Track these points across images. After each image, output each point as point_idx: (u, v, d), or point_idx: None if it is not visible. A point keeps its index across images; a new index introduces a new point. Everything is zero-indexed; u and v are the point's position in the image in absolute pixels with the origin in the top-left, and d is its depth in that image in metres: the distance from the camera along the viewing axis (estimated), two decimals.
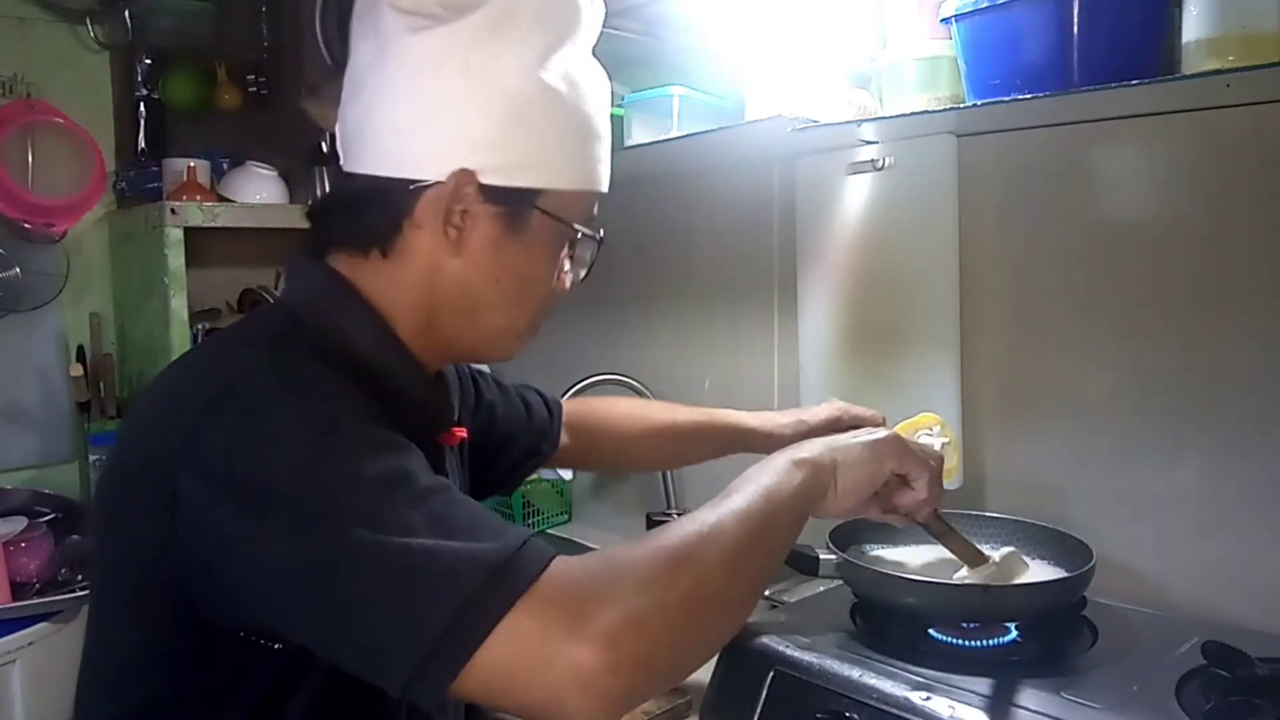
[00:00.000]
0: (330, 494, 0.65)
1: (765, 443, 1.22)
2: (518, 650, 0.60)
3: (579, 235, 0.86)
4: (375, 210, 0.82)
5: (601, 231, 0.89)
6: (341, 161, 0.85)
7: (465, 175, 0.78)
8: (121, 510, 0.75)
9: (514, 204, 0.81)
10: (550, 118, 0.80)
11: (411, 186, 0.79)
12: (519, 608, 0.60)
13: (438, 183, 0.79)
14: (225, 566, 0.67)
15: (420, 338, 0.85)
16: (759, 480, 0.77)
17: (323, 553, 0.63)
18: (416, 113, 0.79)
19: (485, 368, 1.54)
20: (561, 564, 0.64)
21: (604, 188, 0.87)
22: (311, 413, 0.69)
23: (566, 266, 0.89)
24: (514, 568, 0.62)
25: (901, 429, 1.17)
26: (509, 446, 1.17)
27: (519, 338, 0.89)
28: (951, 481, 1.33)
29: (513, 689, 0.61)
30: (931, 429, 1.16)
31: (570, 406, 1.29)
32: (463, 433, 0.97)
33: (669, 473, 1.77)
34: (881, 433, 0.93)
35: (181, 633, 0.72)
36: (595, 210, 0.88)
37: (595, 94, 0.85)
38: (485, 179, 0.79)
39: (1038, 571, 1.16)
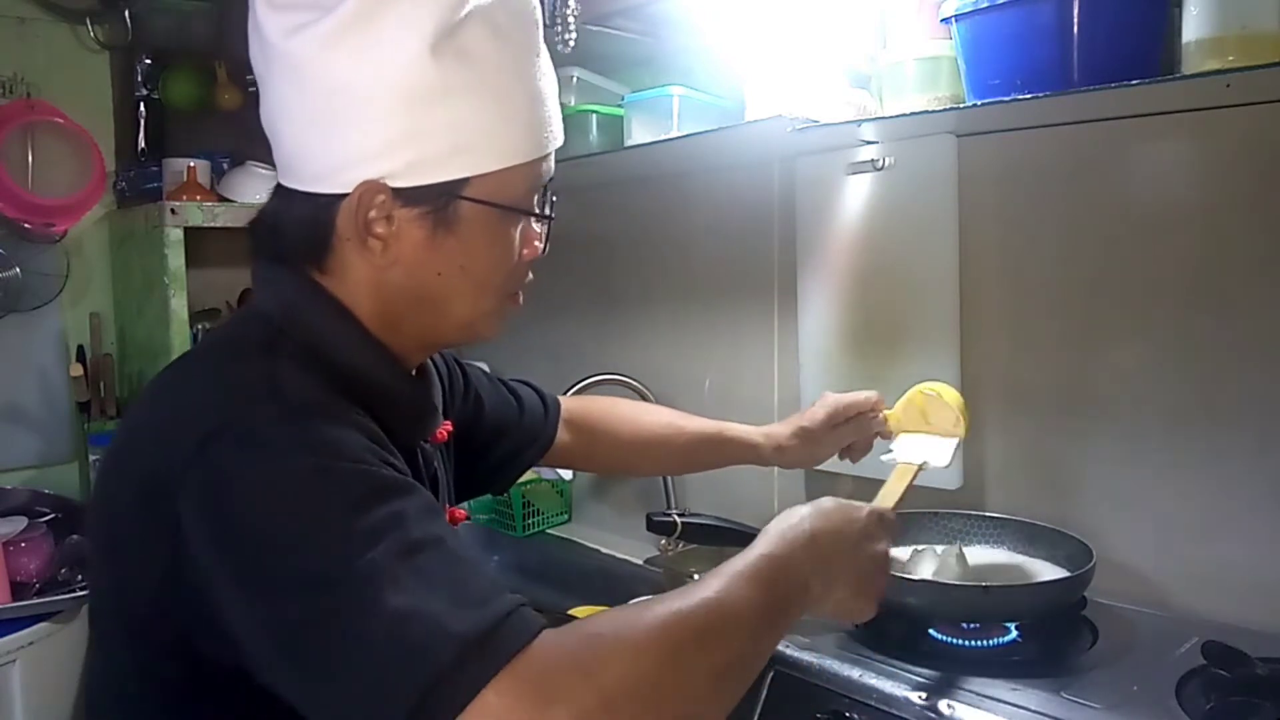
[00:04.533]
0: (317, 547, 0.61)
1: (773, 458, 1.23)
2: None
3: (527, 216, 0.81)
4: (298, 227, 0.78)
5: (552, 199, 0.84)
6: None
7: (369, 186, 0.74)
8: (122, 535, 0.72)
9: (436, 201, 0.76)
10: (459, 100, 0.74)
11: (323, 200, 0.76)
12: (491, 686, 0.56)
13: (348, 194, 0.75)
14: (215, 606, 0.65)
15: (393, 338, 0.81)
16: (773, 589, 0.70)
17: (303, 612, 0.60)
18: (308, 124, 0.75)
19: (483, 364, 1.53)
20: (545, 640, 0.60)
21: (547, 149, 0.81)
22: (309, 449, 0.66)
23: (535, 238, 0.84)
24: (492, 643, 0.58)
25: (903, 405, 1.16)
26: (497, 441, 1.14)
27: (492, 320, 0.84)
28: (951, 481, 1.33)
29: None
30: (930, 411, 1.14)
31: (573, 405, 1.26)
32: (448, 426, 0.95)
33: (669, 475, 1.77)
34: (831, 508, 0.82)
35: (184, 665, 0.70)
36: (549, 167, 0.82)
37: (518, 52, 0.78)
38: (396, 183, 0.74)
39: (1037, 571, 1.17)
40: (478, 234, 0.78)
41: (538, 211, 0.82)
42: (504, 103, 0.76)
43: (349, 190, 0.74)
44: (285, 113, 0.76)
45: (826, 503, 0.82)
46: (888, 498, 1.00)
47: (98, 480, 0.78)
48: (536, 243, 0.84)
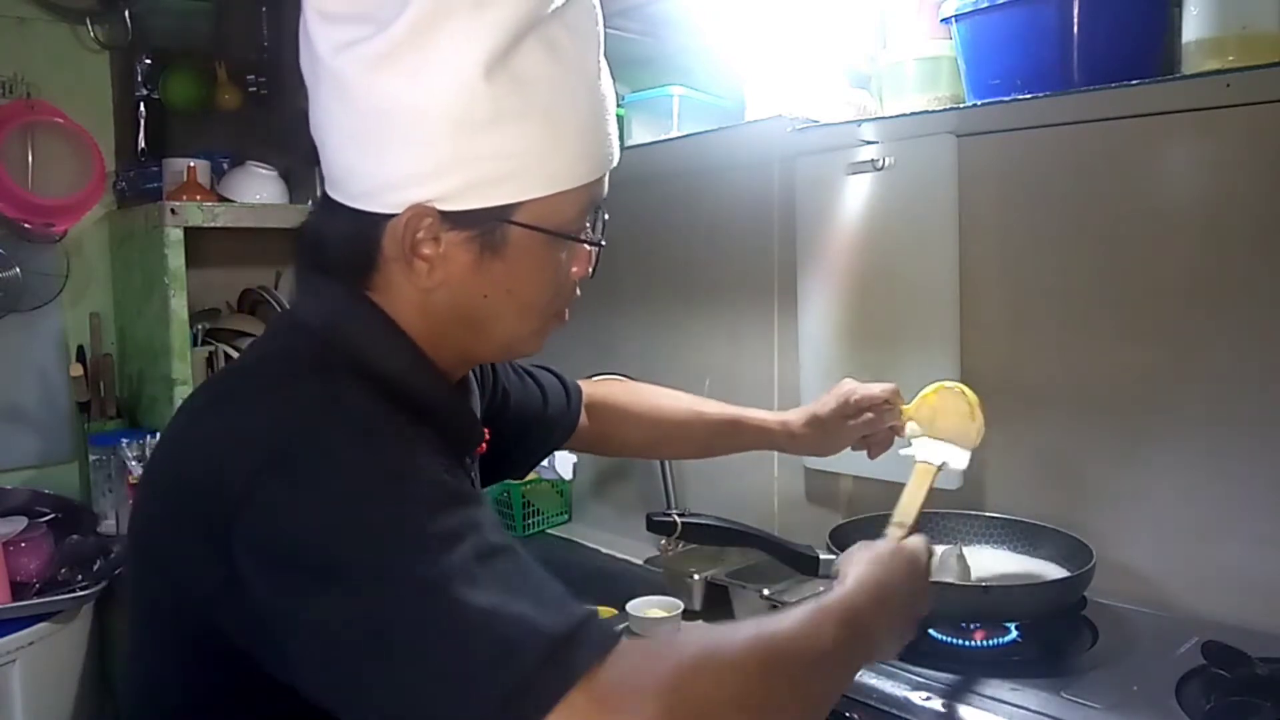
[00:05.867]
0: (392, 552, 0.61)
1: (787, 445, 1.22)
2: None
3: (571, 240, 0.78)
4: (343, 242, 0.77)
5: (604, 220, 0.82)
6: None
7: (418, 209, 0.72)
8: (171, 551, 0.70)
9: (485, 225, 0.74)
10: (512, 124, 0.71)
11: (370, 219, 0.74)
12: (578, 688, 0.56)
13: (395, 215, 0.73)
14: (277, 630, 0.63)
15: (436, 353, 0.80)
16: (854, 634, 0.71)
17: (380, 614, 0.59)
18: (355, 142, 0.73)
19: None
20: (628, 645, 0.59)
21: (601, 172, 0.79)
22: (377, 463, 0.65)
23: (584, 258, 0.82)
24: (576, 643, 0.57)
25: (926, 396, 1.14)
26: (522, 434, 1.13)
27: (533, 339, 0.83)
28: (951, 481, 1.33)
29: None
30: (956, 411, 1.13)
31: (595, 390, 1.25)
32: (487, 435, 0.93)
33: (670, 475, 1.77)
34: (911, 568, 0.84)
35: (235, 678, 0.69)
36: (603, 188, 0.80)
37: (577, 71, 0.75)
38: (445, 206, 0.72)
39: (1037, 572, 1.17)
40: (525, 258, 0.76)
41: (586, 237, 0.80)
42: (558, 126, 0.74)
43: (396, 211, 0.73)
44: (332, 128, 0.75)
45: (901, 554, 0.84)
46: (909, 509, 0.99)
47: (140, 497, 0.76)
48: (574, 272, 0.82)
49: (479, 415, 0.92)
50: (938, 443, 1.11)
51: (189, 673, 0.72)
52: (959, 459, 1.09)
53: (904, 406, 1.16)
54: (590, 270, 0.84)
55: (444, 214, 0.73)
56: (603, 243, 0.83)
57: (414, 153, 0.71)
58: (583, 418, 1.21)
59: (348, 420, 0.68)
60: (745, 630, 0.64)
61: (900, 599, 0.80)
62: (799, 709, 0.64)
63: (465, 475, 0.85)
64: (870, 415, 1.16)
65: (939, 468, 1.06)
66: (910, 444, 1.11)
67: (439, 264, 0.75)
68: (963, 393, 1.12)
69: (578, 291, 0.84)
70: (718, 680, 0.59)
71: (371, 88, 0.71)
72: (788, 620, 0.67)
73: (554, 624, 0.58)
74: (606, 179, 0.81)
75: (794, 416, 1.21)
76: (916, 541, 0.87)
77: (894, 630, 0.80)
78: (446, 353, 0.81)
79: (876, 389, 1.16)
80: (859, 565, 0.80)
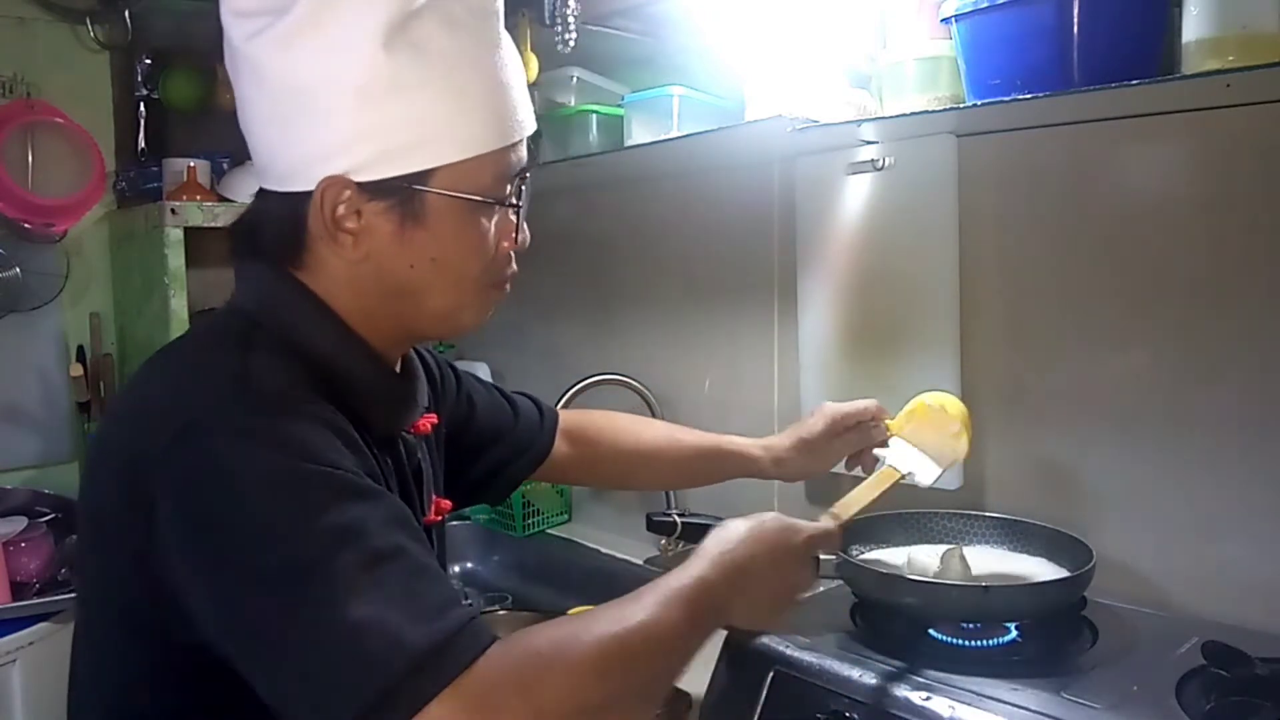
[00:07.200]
0: (278, 547, 0.64)
1: (772, 471, 1.22)
2: None
3: (493, 205, 0.81)
4: (273, 225, 0.81)
5: (521, 188, 0.83)
6: None
7: (332, 181, 0.75)
8: (106, 520, 0.74)
9: (402, 194, 0.76)
10: (415, 92, 0.74)
11: (294, 198, 0.77)
12: (436, 701, 0.59)
13: (312, 192, 0.76)
14: (187, 593, 0.67)
15: (372, 331, 0.82)
16: (701, 612, 0.76)
17: (259, 609, 0.63)
18: (274, 124, 0.77)
19: (484, 364, 1.52)
20: (490, 656, 0.62)
21: (512, 139, 0.80)
22: (276, 445, 0.67)
23: (512, 228, 0.84)
24: (442, 658, 0.61)
25: (905, 416, 1.18)
26: (491, 445, 1.13)
27: (471, 311, 0.85)
28: (951, 482, 1.33)
29: None
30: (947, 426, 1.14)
31: (571, 417, 1.25)
32: (432, 418, 0.95)
33: None
34: (770, 533, 0.88)
35: (166, 648, 0.71)
36: (520, 156, 0.82)
37: (475, 43, 0.78)
38: (359, 177, 0.75)
39: (1037, 572, 1.17)
40: (446, 225, 0.78)
41: (505, 201, 0.82)
42: (462, 93, 0.77)
43: (312, 187, 0.76)
44: (254, 115, 0.79)
45: (769, 524, 0.88)
46: (851, 504, 1.03)
47: (85, 467, 0.81)
48: (515, 233, 0.84)
49: (422, 399, 0.94)
50: (915, 451, 1.14)
51: (126, 645, 0.74)
52: (928, 473, 1.12)
53: (888, 421, 1.19)
54: (518, 239, 0.85)
55: (361, 185, 0.75)
56: (520, 204, 0.84)
57: (326, 126, 0.74)
58: (563, 445, 1.21)
59: (250, 396, 0.70)
60: (594, 628, 0.67)
61: (760, 572, 0.84)
62: (648, 690, 0.70)
63: (396, 451, 0.88)
64: (858, 432, 1.18)
65: (903, 476, 1.10)
66: (888, 448, 1.14)
67: (362, 236, 0.77)
68: (944, 408, 1.14)
69: (514, 266, 0.86)
70: (565, 684, 0.63)
71: (282, 68, 0.74)
72: (634, 609, 0.70)
73: (421, 637, 0.61)
74: (524, 149, 0.83)
75: (778, 442, 1.23)
76: (780, 519, 0.90)
77: (753, 603, 0.84)
78: (383, 330, 0.83)
79: (859, 406, 1.19)
80: (717, 541, 0.84)
